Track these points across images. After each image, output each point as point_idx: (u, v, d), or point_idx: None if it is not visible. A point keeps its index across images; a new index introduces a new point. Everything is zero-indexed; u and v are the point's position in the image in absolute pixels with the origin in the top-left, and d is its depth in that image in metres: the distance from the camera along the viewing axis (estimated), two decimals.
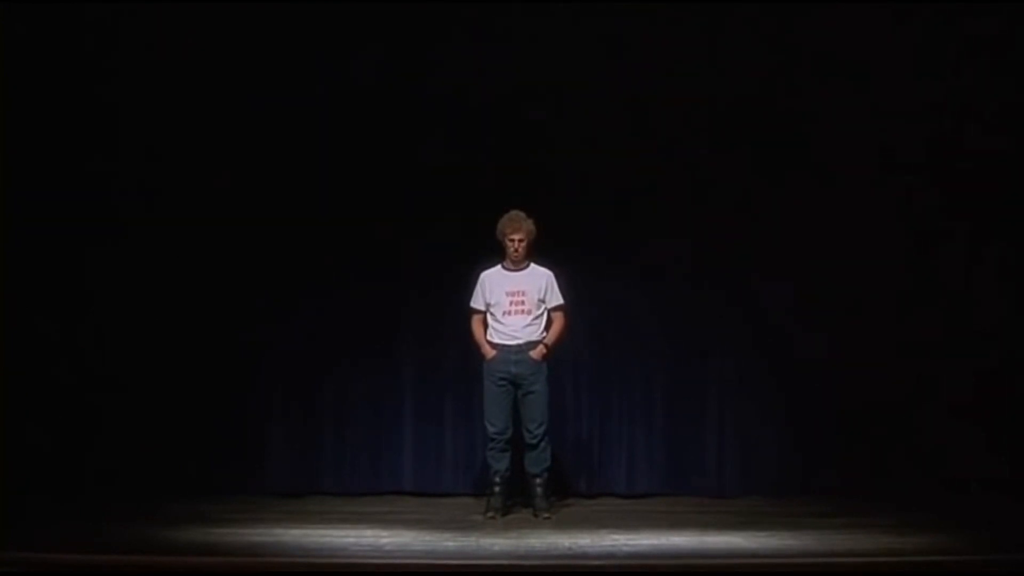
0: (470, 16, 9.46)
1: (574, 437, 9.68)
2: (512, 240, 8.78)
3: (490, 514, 8.79)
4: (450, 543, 8.02)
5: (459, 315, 9.12)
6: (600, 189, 9.61)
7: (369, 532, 8.32)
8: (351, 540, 8.09)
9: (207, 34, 9.47)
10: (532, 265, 8.87)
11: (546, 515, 8.80)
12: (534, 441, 8.80)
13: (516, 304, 8.80)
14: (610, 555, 7.76)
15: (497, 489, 8.84)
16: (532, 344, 8.79)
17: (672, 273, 9.63)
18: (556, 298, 8.87)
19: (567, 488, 9.46)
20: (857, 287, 9.51)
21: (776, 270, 9.60)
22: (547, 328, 8.85)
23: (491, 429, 8.81)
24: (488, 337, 8.85)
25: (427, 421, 9.70)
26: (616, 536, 8.25)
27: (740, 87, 9.57)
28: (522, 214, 8.80)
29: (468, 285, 9.00)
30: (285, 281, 9.56)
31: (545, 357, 8.80)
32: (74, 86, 9.42)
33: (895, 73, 9.47)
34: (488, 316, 8.87)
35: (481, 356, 8.85)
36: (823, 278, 9.54)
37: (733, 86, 9.58)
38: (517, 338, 8.78)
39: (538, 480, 8.86)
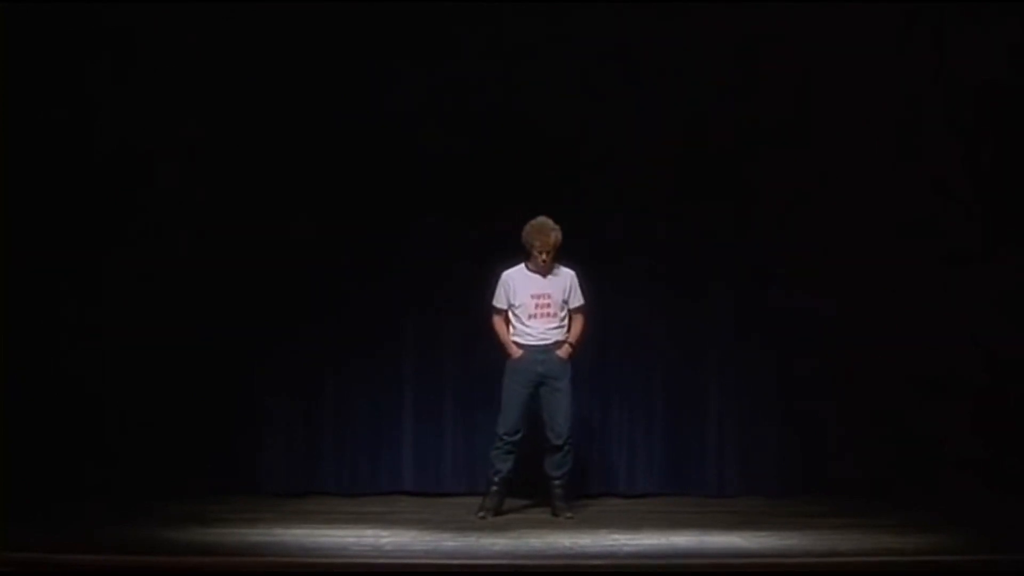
0: (476, 16, 9.47)
1: (574, 437, 9.65)
2: (541, 253, 8.71)
3: (481, 513, 8.77)
4: (450, 543, 8.02)
5: (459, 315, 9.11)
6: (599, 189, 9.61)
7: (369, 532, 8.32)
8: (351, 540, 8.09)
9: (208, 37, 9.48)
10: (556, 266, 8.84)
11: (568, 515, 8.79)
12: (559, 442, 8.76)
13: (542, 307, 8.78)
14: (610, 555, 7.76)
15: (495, 489, 8.83)
16: (559, 344, 8.78)
17: (672, 273, 9.63)
18: (578, 298, 8.85)
19: (569, 489, 9.45)
20: (858, 287, 9.50)
21: (777, 271, 9.60)
22: (569, 327, 8.85)
23: (501, 429, 8.78)
24: (513, 338, 8.83)
25: (427, 421, 9.69)
26: (616, 536, 8.25)
27: (746, 93, 9.57)
28: (550, 223, 8.71)
29: (469, 285, 9.01)
30: (285, 281, 9.55)
31: (571, 356, 8.80)
32: (82, 86, 9.43)
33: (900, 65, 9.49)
34: (510, 316, 8.84)
35: (506, 355, 8.83)
36: (824, 279, 9.53)
37: (738, 90, 9.58)
38: (545, 339, 8.77)
39: (558, 482, 8.85)
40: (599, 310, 9.53)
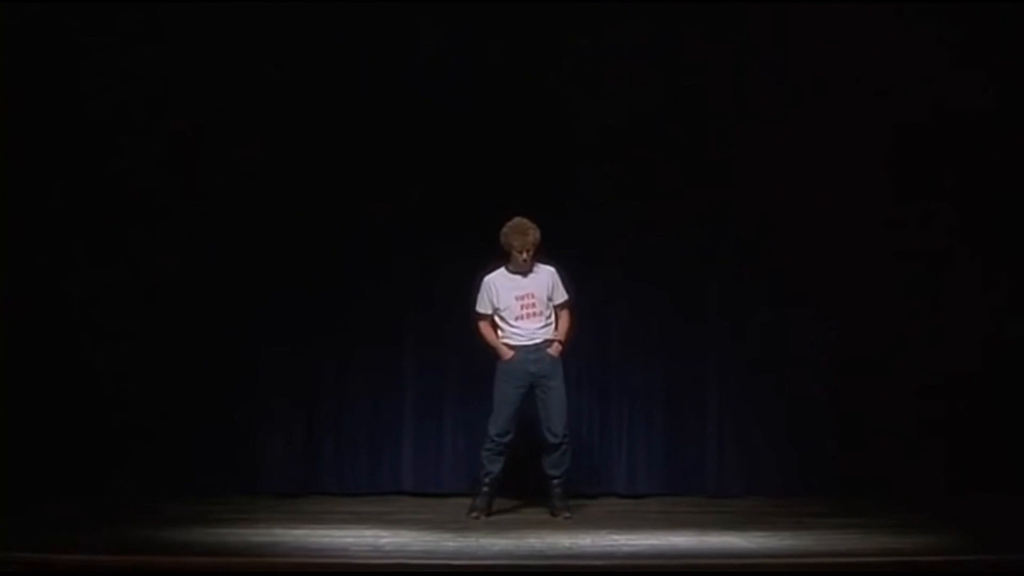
0: (464, 15, 9.47)
1: (574, 437, 9.64)
2: (521, 253, 8.71)
3: (474, 514, 8.78)
4: (450, 543, 8.02)
5: (459, 315, 9.10)
6: (600, 190, 9.61)
7: (369, 532, 8.32)
8: (351, 540, 8.09)
9: (206, 35, 9.49)
10: (536, 264, 8.84)
11: (567, 514, 8.79)
12: (556, 441, 8.75)
13: (527, 308, 8.77)
14: (610, 555, 7.75)
15: (486, 490, 8.83)
16: (549, 342, 8.78)
17: (672, 273, 9.63)
18: (561, 294, 8.85)
19: (567, 488, 9.45)
20: (856, 287, 9.51)
21: (777, 272, 9.60)
22: (557, 324, 8.85)
23: (493, 431, 8.78)
24: (502, 340, 8.82)
25: (427, 421, 9.70)
26: (616, 536, 8.25)
27: (738, 90, 9.58)
28: (527, 223, 8.71)
29: (468, 284, 8.98)
30: (285, 280, 9.55)
31: (561, 353, 8.80)
32: (80, 82, 9.44)
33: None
34: (497, 320, 8.84)
35: (497, 358, 8.81)
36: (823, 278, 9.54)
37: (731, 88, 9.58)
38: (534, 339, 8.76)
39: (556, 481, 8.84)
40: (599, 310, 9.56)
